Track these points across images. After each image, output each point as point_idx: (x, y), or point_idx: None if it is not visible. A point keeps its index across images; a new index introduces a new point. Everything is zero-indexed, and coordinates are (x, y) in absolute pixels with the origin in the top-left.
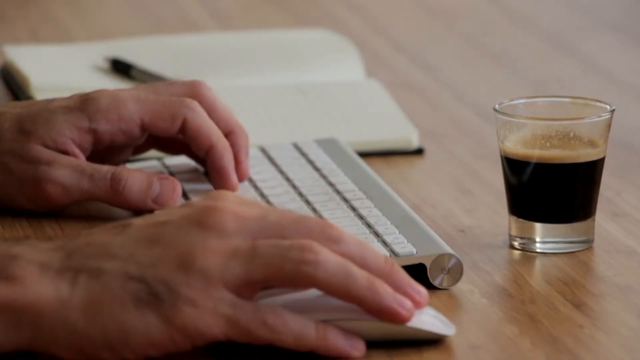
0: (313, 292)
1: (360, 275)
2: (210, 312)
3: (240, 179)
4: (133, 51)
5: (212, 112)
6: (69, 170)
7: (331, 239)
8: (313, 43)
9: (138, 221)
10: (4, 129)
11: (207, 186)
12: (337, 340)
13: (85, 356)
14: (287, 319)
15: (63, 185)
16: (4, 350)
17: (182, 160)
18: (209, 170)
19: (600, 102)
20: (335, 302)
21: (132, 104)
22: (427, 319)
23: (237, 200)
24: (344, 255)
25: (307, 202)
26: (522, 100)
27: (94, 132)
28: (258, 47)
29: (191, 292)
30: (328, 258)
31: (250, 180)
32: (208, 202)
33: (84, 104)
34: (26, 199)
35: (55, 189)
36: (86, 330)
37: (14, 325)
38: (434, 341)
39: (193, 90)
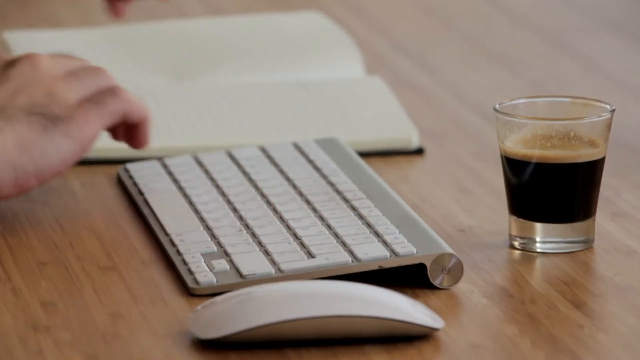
0: (310, 287)
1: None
2: (86, 115)
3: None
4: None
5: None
6: None
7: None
8: (308, 34)
9: None
10: None
11: (209, 186)
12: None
13: (18, 187)
14: (126, 91)
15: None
16: None
17: (182, 160)
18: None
19: (600, 102)
20: (331, 298)
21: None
22: (418, 315)
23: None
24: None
25: (307, 202)
26: (522, 100)
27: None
28: (256, 42)
29: (66, 110)
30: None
31: (250, 180)
32: (16, 56)
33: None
34: None
35: None
36: (21, 162)
37: None
38: (433, 341)
39: None
